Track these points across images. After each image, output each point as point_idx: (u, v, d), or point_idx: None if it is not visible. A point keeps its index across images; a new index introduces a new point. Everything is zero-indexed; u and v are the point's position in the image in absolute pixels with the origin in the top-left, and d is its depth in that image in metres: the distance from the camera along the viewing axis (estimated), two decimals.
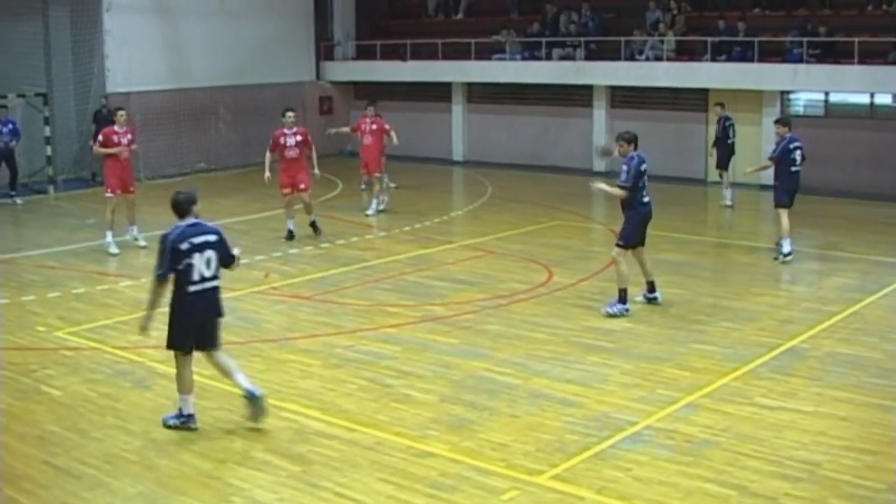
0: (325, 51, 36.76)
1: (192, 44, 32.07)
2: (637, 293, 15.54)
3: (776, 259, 18.60)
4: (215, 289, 10.87)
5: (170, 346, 11.02)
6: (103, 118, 27.93)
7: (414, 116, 34.35)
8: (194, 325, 10.88)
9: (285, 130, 20.73)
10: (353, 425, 10.92)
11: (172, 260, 10.57)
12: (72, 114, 30.48)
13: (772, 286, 17.49)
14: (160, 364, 12.99)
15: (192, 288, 10.67)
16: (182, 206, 10.86)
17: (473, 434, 10.67)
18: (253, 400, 10.84)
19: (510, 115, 33.25)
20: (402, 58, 34.33)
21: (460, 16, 36.15)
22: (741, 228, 22.13)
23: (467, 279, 17.55)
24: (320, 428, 10.87)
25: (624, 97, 30.48)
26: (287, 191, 20.81)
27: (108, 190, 19.94)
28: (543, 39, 31.75)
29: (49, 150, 28.10)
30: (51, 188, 28.29)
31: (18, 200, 26.47)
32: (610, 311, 14.94)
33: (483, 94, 34.10)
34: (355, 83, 36.48)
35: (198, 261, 10.64)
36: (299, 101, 34.26)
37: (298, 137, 20.77)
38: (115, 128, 19.92)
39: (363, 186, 25.59)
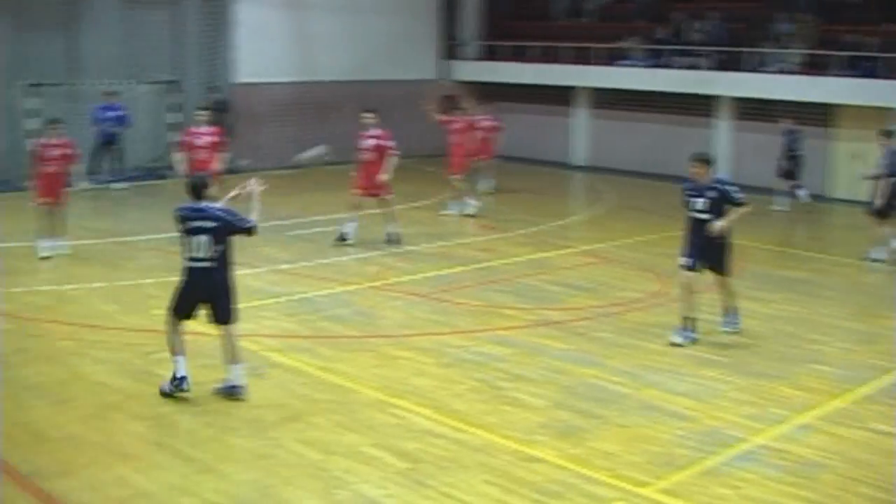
0: (450, 50, 36.88)
1: (320, 38, 32.42)
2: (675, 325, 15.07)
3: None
4: (206, 269, 11.52)
5: (170, 307, 11.78)
6: (221, 107, 28.36)
7: (536, 119, 34.38)
8: (190, 296, 11.66)
9: (362, 132, 20.00)
10: (463, 426, 10.95)
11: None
12: (199, 101, 30.96)
13: (892, 308, 17.16)
14: (275, 353, 13.19)
15: (186, 263, 11.58)
16: (196, 190, 11.69)
17: (582, 441, 10.63)
18: (230, 392, 11.71)
19: (632, 122, 33.00)
20: (527, 60, 34.30)
21: (586, 20, 36.01)
22: (864, 248, 21.71)
23: (583, 285, 17.49)
24: (430, 426, 10.92)
25: (748, 109, 30.08)
26: (358, 192, 20.09)
27: None
28: (669, 47, 31.55)
29: (176, 138, 28.57)
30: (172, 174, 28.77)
31: (116, 185, 26.90)
32: (732, 327, 14.68)
33: (606, 100, 33.86)
34: (479, 83, 36.49)
35: (191, 242, 11.47)
36: (422, 100, 34.42)
37: (374, 141, 19.88)
38: (194, 128, 19.46)
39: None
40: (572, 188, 31.64)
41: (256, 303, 15.79)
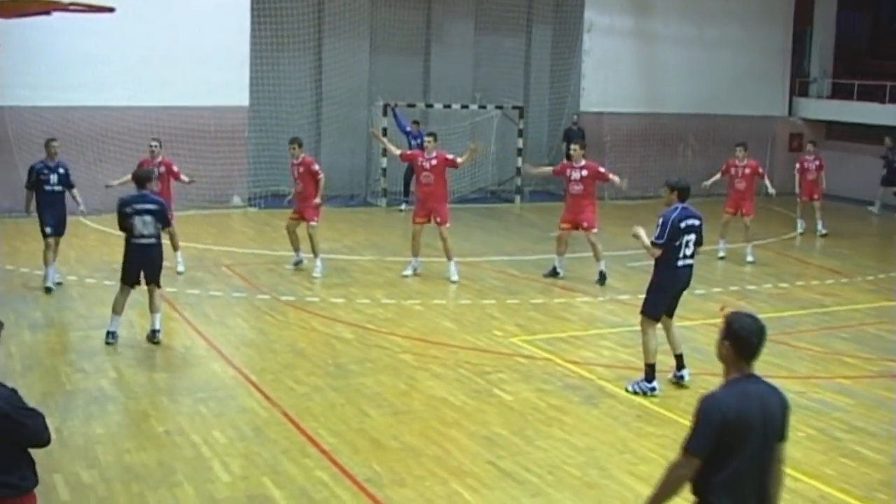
0: (799, 87, 36.04)
1: (667, 70, 32.32)
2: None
3: None
4: (150, 245, 14.35)
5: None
6: (573, 135, 28.62)
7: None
8: (135, 268, 14.43)
9: (574, 164, 19.16)
10: (798, 474, 10.58)
11: (120, 216, 14.19)
12: (544, 129, 31.58)
13: None
14: (609, 383, 13.19)
15: (134, 241, 14.24)
16: (140, 179, 14.60)
17: None
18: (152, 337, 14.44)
19: None
20: (881, 100, 33.11)
21: None
22: None
23: None
24: None
25: None
26: (566, 226, 19.28)
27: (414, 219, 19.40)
28: None
29: (519, 162, 29.11)
30: (517, 198, 29.33)
31: (402, 207, 27.42)
32: (630, 388, 13.02)
33: None
34: (828, 122, 35.52)
35: (138, 222, 14.07)
36: (769, 137, 33.82)
37: (583, 173, 18.98)
38: (425, 153, 18.98)
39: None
40: None
41: (594, 331, 15.90)
